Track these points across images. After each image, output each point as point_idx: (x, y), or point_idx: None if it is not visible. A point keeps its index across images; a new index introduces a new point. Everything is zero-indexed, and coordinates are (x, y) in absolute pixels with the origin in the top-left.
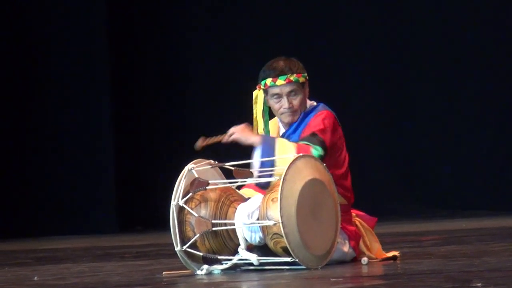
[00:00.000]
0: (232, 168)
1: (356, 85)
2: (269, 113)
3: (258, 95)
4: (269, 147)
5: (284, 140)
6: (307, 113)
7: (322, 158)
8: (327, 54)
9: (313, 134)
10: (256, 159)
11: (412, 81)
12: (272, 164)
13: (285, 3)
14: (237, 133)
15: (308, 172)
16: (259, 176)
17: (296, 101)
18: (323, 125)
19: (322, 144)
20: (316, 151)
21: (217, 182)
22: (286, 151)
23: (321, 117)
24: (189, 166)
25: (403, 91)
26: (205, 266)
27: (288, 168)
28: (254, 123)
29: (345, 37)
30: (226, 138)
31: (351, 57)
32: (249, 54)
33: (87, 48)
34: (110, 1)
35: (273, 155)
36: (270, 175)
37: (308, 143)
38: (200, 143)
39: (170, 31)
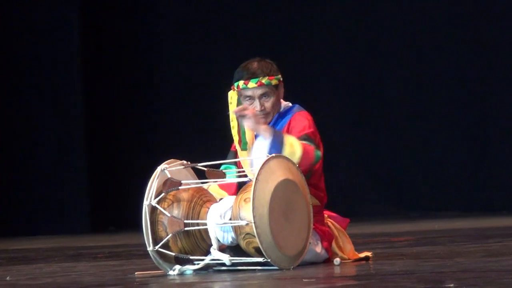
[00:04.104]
0: (205, 168)
1: (329, 87)
2: None
3: (232, 95)
4: (278, 143)
5: (291, 137)
6: (282, 114)
7: (318, 160)
8: (300, 55)
9: (308, 136)
10: (261, 151)
11: (385, 84)
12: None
13: (258, 5)
14: (251, 119)
15: (280, 172)
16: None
17: (268, 104)
18: (312, 128)
19: (318, 147)
20: (318, 152)
21: (190, 182)
22: (293, 149)
23: (305, 118)
24: (162, 166)
25: (376, 93)
26: (177, 266)
27: (261, 168)
28: (231, 123)
29: (318, 39)
30: (237, 111)
31: (324, 59)
32: (222, 56)
33: (59, 48)
34: (82, 5)
35: (281, 151)
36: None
37: (309, 143)
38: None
39: (143, 36)
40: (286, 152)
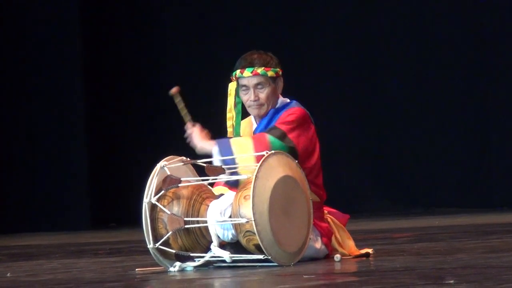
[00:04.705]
0: (204, 165)
1: (329, 83)
2: (244, 108)
3: (231, 87)
4: (226, 147)
5: (238, 137)
6: (278, 109)
7: (281, 147)
8: (302, 52)
9: (274, 127)
10: (216, 159)
11: (385, 80)
12: (233, 162)
13: (260, 4)
14: (193, 138)
15: (280, 169)
16: (231, 174)
17: (262, 94)
18: (289, 119)
19: (280, 134)
20: (272, 136)
21: (190, 179)
22: (242, 146)
23: (289, 112)
24: (161, 163)
25: (376, 90)
26: (178, 263)
27: (261, 165)
28: (228, 115)
29: (318, 36)
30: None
31: (324, 55)
32: (223, 52)
33: (60, 47)
34: (83, 5)
35: (231, 153)
36: (237, 173)
37: (264, 132)
38: (175, 91)
39: (145, 29)
40: (236, 146)
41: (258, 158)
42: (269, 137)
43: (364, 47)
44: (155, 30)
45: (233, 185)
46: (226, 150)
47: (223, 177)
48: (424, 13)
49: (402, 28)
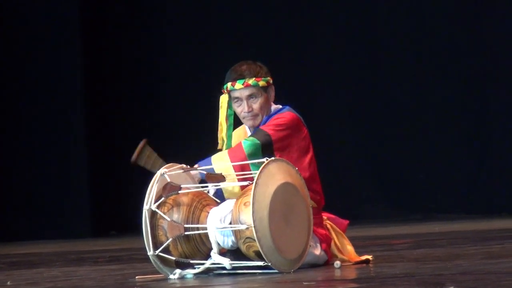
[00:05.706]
0: (204, 172)
1: (329, 88)
2: (236, 120)
3: (223, 99)
4: (206, 161)
5: (219, 153)
6: (270, 116)
7: (259, 147)
8: (302, 56)
9: (259, 129)
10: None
11: (386, 85)
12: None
13: (259, 6)
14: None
15: (280, 176)
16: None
17: (256, 105)
18: (277, 122)
19: (262, 135)
20: (247, 141)
21: (190, 186)
22: (220, 158)
23: (278, 116)
24: (162, 170)
25: (377, 94)
26: (178, 271)
27: (260, 172)
28: (219, 127)
29: (318, 40)
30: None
31: (324, 60)
32: (223, 58)
33: (60, 47)
34: (83, 5)
35: (210, 159)
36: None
37: (243, 140)
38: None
39: (146, 30)
40: (215, 157)
41: (236, 168)
42: (243, 143)
43: (365, 51)
44: (155, 30)
45: (220, 196)
46: (206, 165)
47: (223, 184)
48: (424, 15)
49: (403, 32)
